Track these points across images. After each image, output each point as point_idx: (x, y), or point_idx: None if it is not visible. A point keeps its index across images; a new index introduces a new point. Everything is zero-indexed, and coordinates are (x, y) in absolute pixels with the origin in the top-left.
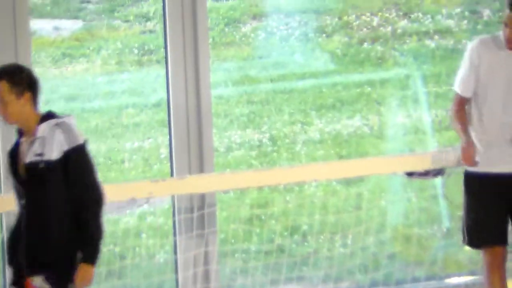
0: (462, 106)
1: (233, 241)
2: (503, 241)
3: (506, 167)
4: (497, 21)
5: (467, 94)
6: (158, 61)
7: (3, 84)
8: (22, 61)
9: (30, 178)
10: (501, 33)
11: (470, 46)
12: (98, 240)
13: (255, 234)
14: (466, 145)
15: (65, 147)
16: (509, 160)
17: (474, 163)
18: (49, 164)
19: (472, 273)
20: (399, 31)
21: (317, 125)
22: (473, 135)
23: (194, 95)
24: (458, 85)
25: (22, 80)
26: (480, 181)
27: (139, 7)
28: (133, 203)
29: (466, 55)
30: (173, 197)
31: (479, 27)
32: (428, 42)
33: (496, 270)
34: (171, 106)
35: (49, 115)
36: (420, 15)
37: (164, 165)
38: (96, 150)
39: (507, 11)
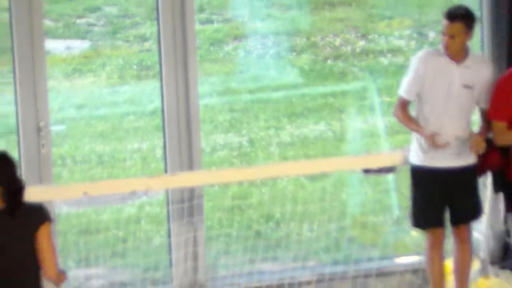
0: (405, 107)
1: (217, 227)
2: (442, 224)
3: (446, 163)
4: (439, 41)
5: (410, 97)
6: (154, 76)
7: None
8: (38, 76)
9: None
10: (441, 46)
11: (416, 56)
12: None
13: (236, 221)
14: (429, 132)
15: None
16: (448, 157)
17: (444, 144)
18: None
19: (417, 254)
20: (357, 50)
21: (288, 130)
22: (417, 134)
23: (184, 104)
24: (404, 90)
25: None
26: (424, 174)
27: (138, 30)
28: (133, 195)
29: (412, 64)
30: (167, 190)
31: (425, 46)
32: (382, 59)
33: (436, 248)
34: (165, 114)
35: None
36: (376, 36)
37: (159, 163)
38: (102, 150)
39: (443, 21)
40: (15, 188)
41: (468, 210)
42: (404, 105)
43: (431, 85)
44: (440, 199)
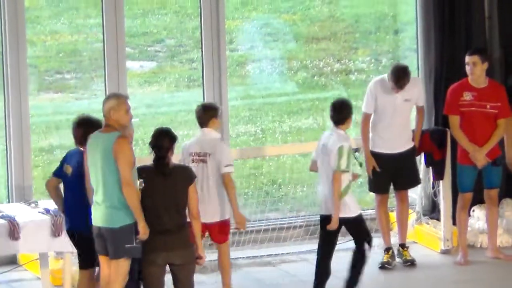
0: (367, 121)
1: (239, 187)
2: (387, 191)
3: (390, 150)
4: (390, 64)
5: (370, 111)
6: (198, 86)
7: None
8: (121, 85)
9: None
10: (386, 76)
11: (370, 83)
12: None
13: (251, 184)
14: (367, 157)
15: None
16: (391, 146)
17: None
18: None
19: (373, 208)
20: (334, 70)
21: (288, 123)
22: (377, 132)
23: (219, 105)
24: (364, 107)
25: None
26: (377, 157)
27: (188, 55)
28: None
29: (368, 89)
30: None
31: (380, 68)
32: (351, 76)
33: (382, 206)
34: None
35: None
36: (347, 61)
37: None
38: None
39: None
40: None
41: (408, 181)
42: (366, 118)
43: (381, 104)
44: (386, 174)
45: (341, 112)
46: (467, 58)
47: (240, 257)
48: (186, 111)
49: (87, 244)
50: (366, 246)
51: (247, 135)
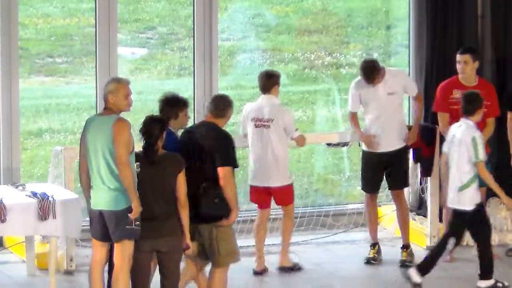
0: (354, 117)
1: None
2: (377, 190)
3: (383, 149)
4: (381, 60)
5: (355, 110)
6: (189, 74)
7: None
8: (112, 71)
9: None
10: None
11: (351, 84)
12: None
13: (239, 173)
14: (364, 135)
15: None
16: (383, 145)
17: (373, 145)
18: None
19: (361, 202)
20: (326, 63)
21: None
22: (367, 129)
23: (209, 93)
24: (349, 106)
25: None
26: (369, 156)
27: (179, 43)
28: None
29: (350, 90)
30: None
31: None
32: (341, 70)
33: (371, 203)
34: (195, 99)
35: None
36: (338, 54)
37: None
38: None
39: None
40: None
41: (394, 183)
42: (353, 116)
43: (366, 102)
44: (376, 172)
45: (471, 103)
46: (458, 57)
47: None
48: None
49: None
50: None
51: (236, 125)
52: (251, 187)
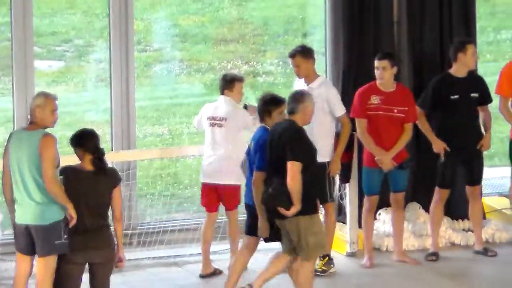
0: None
1: (145, 188)
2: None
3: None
4: None
5: None
6: (106, 85)
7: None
8: (29, 84)
9: None
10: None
11: (295, 83)
12: None
13: (158, 185)
14: None
15: None
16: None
17: None
18: None
19: None
20: (243, 72)
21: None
22: None
23: (126, 105)
24: None
25: None
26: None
27: (96, 55)
28: None
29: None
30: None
31: (288, 71)
32: (258, 78)
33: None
34: (113, 111)
35: None
36: (254, 63)
37: (108, 144)
38: (70, 136)
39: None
40: (101, 155)
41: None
42: None
43: None
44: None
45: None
46: (377, 63)
47: (146, 258)
48: (93, 111)
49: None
50: None
51: (154, 135)
52: (202, 185)
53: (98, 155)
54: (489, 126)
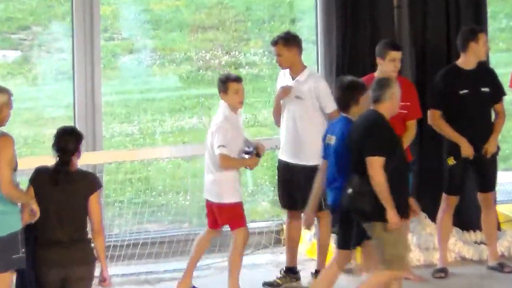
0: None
1: (113, 195)
2: (287, 206)
3: (285, 157)
4: None
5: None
6: (68, 78)
7: None
8: None
9: None
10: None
11: (279, 76)
12: None
13: (127, 191)
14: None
15: None
16: (285, 152)
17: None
18: None
19: (267, 220)
20: (223, 63)
21: (169, 122)
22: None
23: (91, 100)
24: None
25: None
26: (279, 165)
27: (57, 43)
28: None
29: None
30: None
31: (274, 61)
32: (241, 70)
33: (292, 221)
34: (76, 107)
35: None
36: (236, 53)
37: None
38: (27, 134)
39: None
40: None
41: (297, 202)
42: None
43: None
44: (283, 187)
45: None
46: (394, 53)
47: (114, 275)
48: (54, 107)
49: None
50: None
51: (122, 135)
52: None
53: (62, 156)
54: (498, 128)
